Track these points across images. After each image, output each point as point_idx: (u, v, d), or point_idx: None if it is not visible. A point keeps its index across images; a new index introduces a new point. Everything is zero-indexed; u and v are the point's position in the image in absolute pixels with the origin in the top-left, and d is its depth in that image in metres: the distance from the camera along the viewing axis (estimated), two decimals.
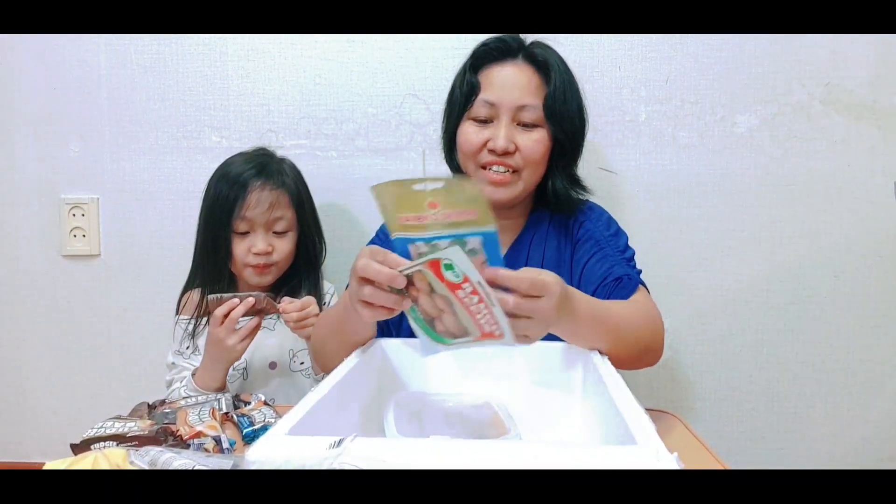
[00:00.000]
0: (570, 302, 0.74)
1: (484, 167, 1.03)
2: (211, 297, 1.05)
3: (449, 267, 0.66)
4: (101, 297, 1.44)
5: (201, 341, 1.15)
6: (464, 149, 1.04)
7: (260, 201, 1.13)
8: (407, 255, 0.69)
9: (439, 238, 0.66)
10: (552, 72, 1.03)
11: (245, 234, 1.14)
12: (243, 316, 1.04)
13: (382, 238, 1.12)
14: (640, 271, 1.03)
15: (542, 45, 1.06)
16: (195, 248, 1.20)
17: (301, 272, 1.22)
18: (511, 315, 0.68)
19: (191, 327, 1.17)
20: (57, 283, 1.45)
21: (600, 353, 0.80)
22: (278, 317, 1.17)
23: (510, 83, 1.02)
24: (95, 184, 1.42)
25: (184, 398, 0.92)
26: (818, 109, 1.30)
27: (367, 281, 0.71)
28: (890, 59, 1.28)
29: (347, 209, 1.39)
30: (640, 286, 1.00)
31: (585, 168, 1.34)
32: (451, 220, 0.65)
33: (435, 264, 0.67)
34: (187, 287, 1.22)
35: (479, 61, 1.05)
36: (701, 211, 1.33)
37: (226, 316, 1.03)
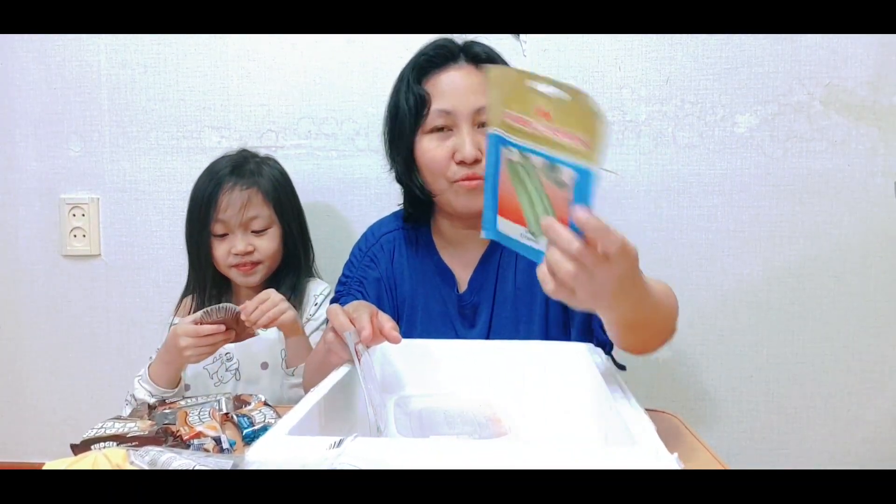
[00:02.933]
0: (636, 285, 0.65)
1: (455, 182, 0.97)
2: (213, 308, 1.00)
3: None
4: (101, 297, 1.44)
5: None
6: (430, 166, 0.98)
7: (231, 202, 1.13)
8: (496, 153, 0.63)
9: (534, 153, 0.59)
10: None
11: (224, 235, 1.15)
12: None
13: (354, 268, 1.10)
14: None
15: (479, 43, 1.02)
16: (188, 255, 1.22)
17: (284, 272, 1.21)
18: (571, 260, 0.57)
19: None
20: (57, 283, 1.45)
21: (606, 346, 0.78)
22: None
23: (461, 87, 0.97)
24: (96, 184, 1.42)
25: (184, 398, 0.92)
26: (818, 110, 1.30)
27: (333, 329, 0.78)
28: (890, 59, 1.28)
29: (347, 209, 1.39)
30: None
31: None
32: (557, 138, 0.58)
33: None
34: (186, 293, 1.23)
35: (421, 71, 1.00)
36: (701, 211, 1.33)
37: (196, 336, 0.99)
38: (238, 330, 1.02)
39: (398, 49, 1.34)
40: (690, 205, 1.33)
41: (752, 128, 1.31)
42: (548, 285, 0.60)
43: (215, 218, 1.14)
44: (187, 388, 1.18)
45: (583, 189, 0.58)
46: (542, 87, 0.57)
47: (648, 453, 0.49)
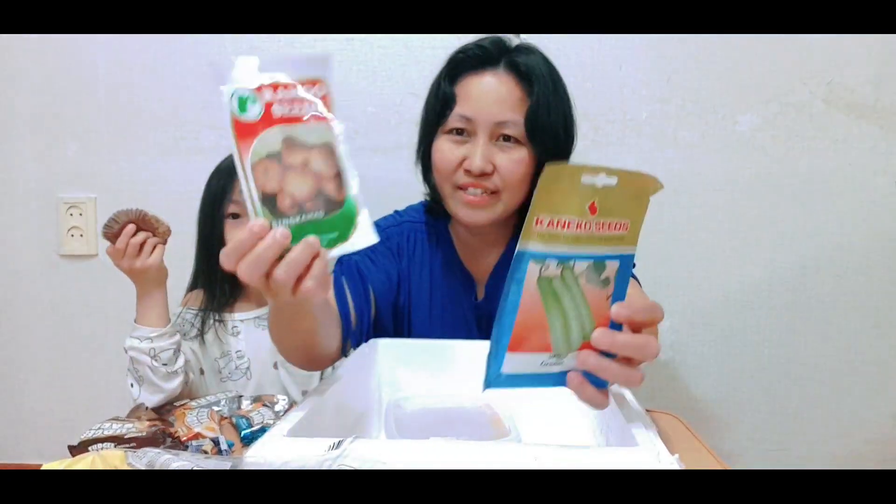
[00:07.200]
0: None
1: (461, 188, 0.94)
2: (110, 219, 1.05)
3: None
4: (98, 297, 1.44)
5: (208, 336, 1.16)
6: (439, 167, 0.95)
7: None
8: (521, 278, 0.50)
9: (577, 258, 0.50)
10: (535, 83, 0.93)
11: (238, 218, 1.12)
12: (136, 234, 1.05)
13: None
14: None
15: (527, 50, 0.96)
16: (196, 249, 1.20)
17: None
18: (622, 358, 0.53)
19: (198, 321, 1.16)
20: (54, 283, 1.45)
21: None
22: None
23: (489, 96, 0.92)
24: (93, 183, 1.42)
25: (184, 402, 0.92)
26: (820, 109, 1.30)
27: (262, 275, 0.56)
28: (891, 58, 1.28)
29: None
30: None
31: None
32: (601, 233, 0.50)
33: None
34: (192, 287, 1.22)
35: (456, 70, 0.95)
36: (701, 211, 1.33)
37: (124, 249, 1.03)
38: (155, 228, 1.07)
39: (398, 49, 1.34)
40: (691, 204, 1.33)
41: (754, 127, 1.31)
42: (586, 391, 0.56)
43: (232, 199, 1.11)
44: (201, 372, 1.18)
45: (624, 276, 0.53)
46: (589, 179, 0.48)
47: (649, 454, 0.49)
